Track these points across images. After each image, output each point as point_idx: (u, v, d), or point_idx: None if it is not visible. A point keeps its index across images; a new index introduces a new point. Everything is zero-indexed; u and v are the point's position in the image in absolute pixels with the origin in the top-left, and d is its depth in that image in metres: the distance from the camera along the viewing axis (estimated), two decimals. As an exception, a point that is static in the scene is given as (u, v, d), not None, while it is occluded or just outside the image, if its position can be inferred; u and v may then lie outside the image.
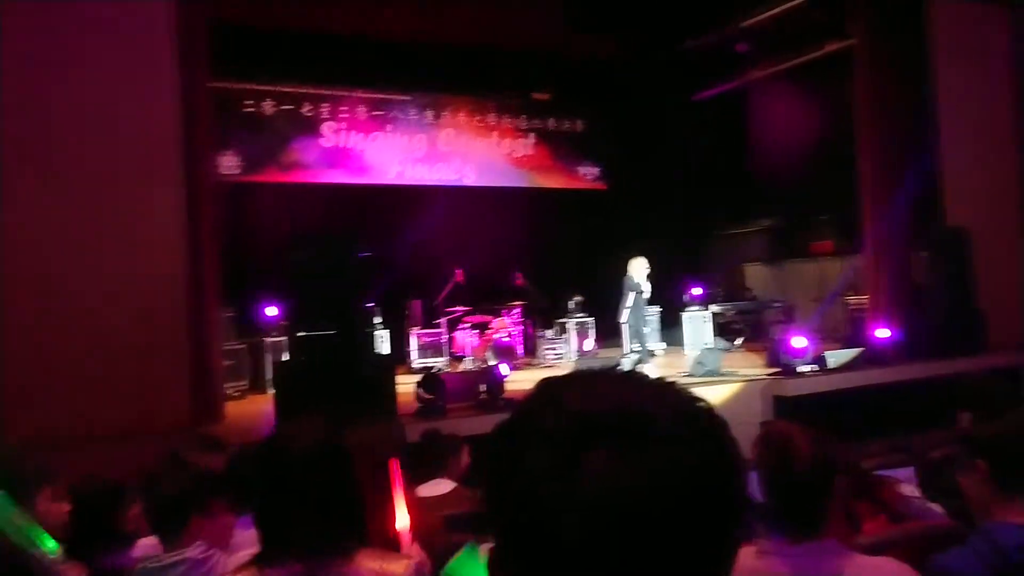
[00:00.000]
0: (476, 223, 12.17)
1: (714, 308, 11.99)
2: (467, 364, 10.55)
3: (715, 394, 7.51)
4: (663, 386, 0.76)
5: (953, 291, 9.22)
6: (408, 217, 11.86)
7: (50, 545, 2.11)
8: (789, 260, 12.94)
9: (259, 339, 9.81)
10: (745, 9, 11.28)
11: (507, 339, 10.97)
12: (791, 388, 7.92)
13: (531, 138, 13.65)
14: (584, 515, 0.66)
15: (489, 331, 11.02)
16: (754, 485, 1.99)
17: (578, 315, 11.51)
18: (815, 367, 8.30)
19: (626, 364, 8.84)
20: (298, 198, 11.82)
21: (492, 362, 9.81)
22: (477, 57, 11.94)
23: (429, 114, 12.84)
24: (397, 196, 12.39)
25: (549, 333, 11.45)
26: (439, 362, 10.66)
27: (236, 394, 8.94)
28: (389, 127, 12.52)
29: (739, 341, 11.69)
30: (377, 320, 10.50)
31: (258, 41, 10.36)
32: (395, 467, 2.14)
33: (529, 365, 10.91)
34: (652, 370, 8.57)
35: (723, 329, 11.91)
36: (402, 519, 2.10)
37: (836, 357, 8.49)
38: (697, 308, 11.79)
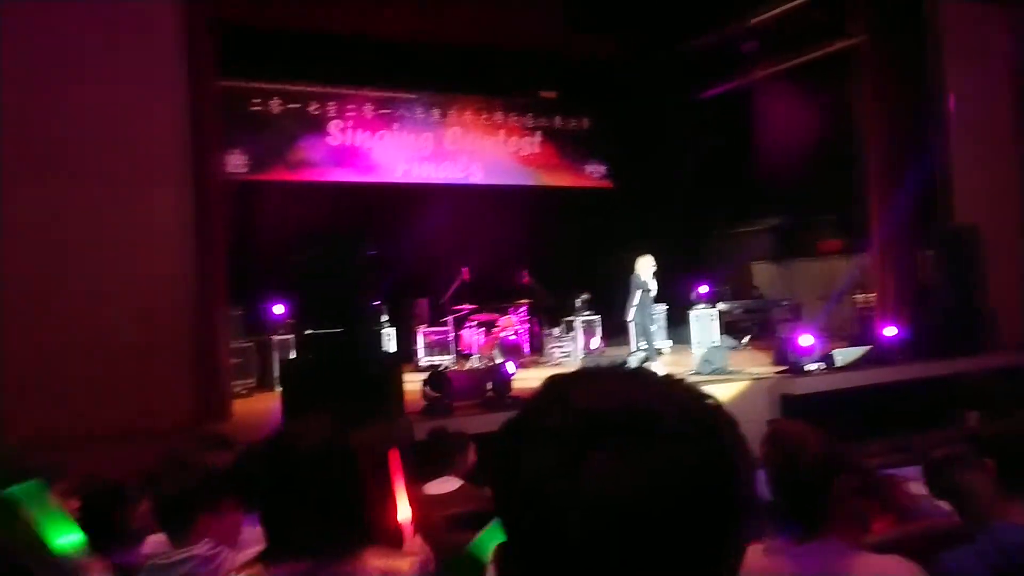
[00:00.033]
0: (482, 221, 12.17)
1: (721, 306, 11.96)
2: (474, 362, 10.56)
3: (722, 392, 7.48)
4: (671, 384, 0.76)
5: (960, 290, 9.19)
6: (415, 215, 11.86)
7: (77, 537, 2.12)
8: (796, 258, 12.92)
9: (266, 337, 9.83)
10: (747, 8, 11.26)
11: (514, 337, 10.97)
12: (798, 386, 7.90)
13: (537, 136, 13.64)
14: (588, 514, 0.66)
15: (496, 329, 11.02)
16: (761, 484, 1.99)
17: (585, 313, 11.50)
18: (822, 365, 8.28)
19: (633, 362, 8.83)
20: (305, 197, 11.85)
21: (499, 360, 9.82)
22: (482, 56, 11.95)
23: (436, 112, 12.84)
24: (404, 194, 12.39)
25: (556, 331, 11.45)
26: (446, 360, 10.67)
27: (244, 392, 8.97)
28: (396, 125, 12.53)
29: (746, 339, 11.66)
30: (384, 318, 10.50)
31: (265, 40, 10.38)
32: (395, 459, 2.13)
33: (536, 363, 10.91)
34: (659, 368, 8.56)
35: (730, 327, 11.88)
36: (403, 511, 2.09)
37: (843, 355, 8.48)
38: (704, 306, 11.77)
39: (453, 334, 10.99)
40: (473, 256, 11.37)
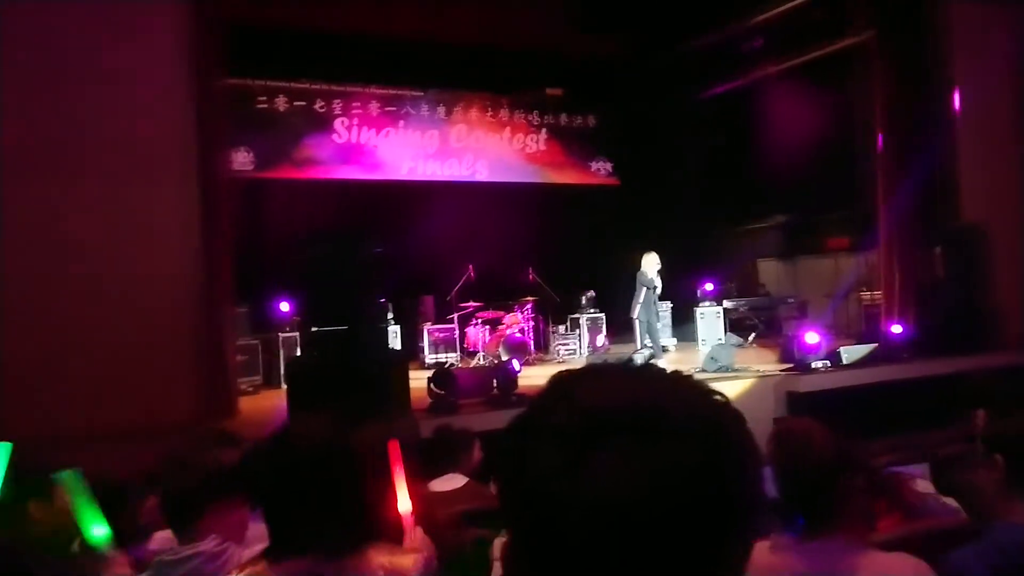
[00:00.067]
0: (488, 219, 12.16)
1: (727, 304, 11.96)
2: (479, 360, 10.56)
3: (727, 390, 7.32)
4: (678, 380, 0.76)
5: (966, 287, 9.16)
6: (420, 213, 11.85)
7: (105, 531, 2.14)
8: (802, 256, 12.89)
9: (272, 334, 9.85)
10: (751, 7, 11.23)
11: (519, 335, 10.96)
12: (804, 384, 7.89)
13: (543, 134, 13.62)
14: (593, 512, 0.66)
15: (501, 327, 11.02)
16: (767, 481, 1.98)
17: (590, 311, 11.50)
18: (828, 363, 8.27)
19: (638, 360, 8.83)
20: (311, 194, 11.86)
21: (504, 358, 9.81)
22: (487, 54, 11.93)
23: (441, 110, 12.83)
24: (409, 192, 12.39)
25: (561, 329, 11.45)
26: (451, 358, 10.68)
27: (250, 389, 8.99)
28: (401, 123, 12.53)
29: (752, 337, 11.65)
30: (389, 316, 10.52)
31: (270, 38, 10.39)
32: (394, 449, 2.12)
33: (541, 361, 10.91)
34: (664, 366, 8.56)
35: (736, 325, 11.87)
36: (404, 503, 2.09)
37: (850, 353, 8.46)
38: (710, 304, 11.77)
39: (458, 332, 10.99)
40: (478, 253, 11.36)
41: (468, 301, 11.08)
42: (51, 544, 2.43)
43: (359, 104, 12.22)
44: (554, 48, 12.23)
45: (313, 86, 11.83)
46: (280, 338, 9.81)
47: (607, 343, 11.34)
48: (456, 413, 6.83)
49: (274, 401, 8.13)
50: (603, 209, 13.49)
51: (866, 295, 10.85)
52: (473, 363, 10.44)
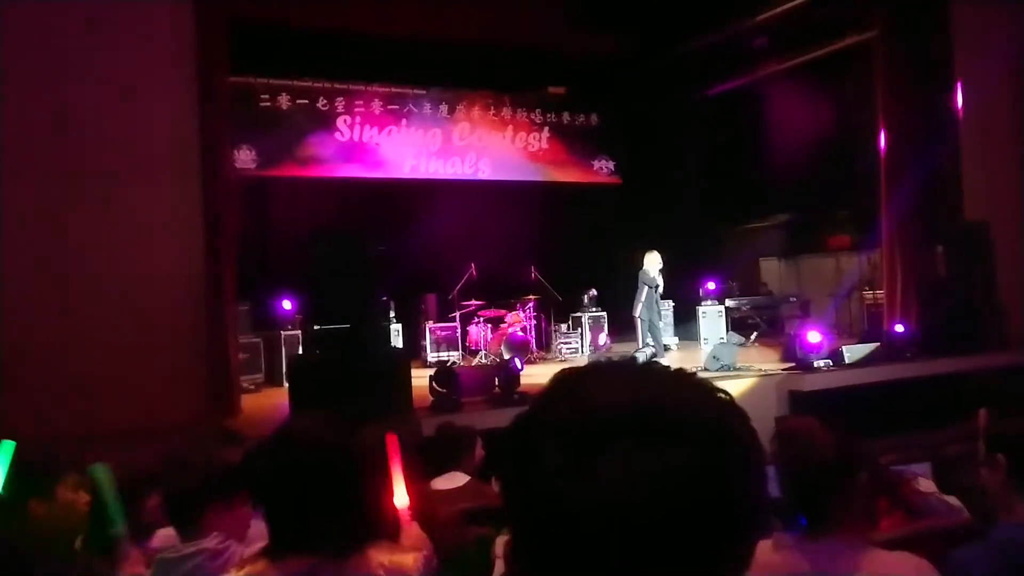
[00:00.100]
0: (490, 217, 12.17)
1: (729, 303, 11.95)
2: (481, 358, 10.57)
3: (730, 389, 7.38)
4: (681, 378, 0.75)
5: (970, 286, 9.14)
6: (422, 211, 11.86)
7: (123, 527, 2.17)
8: (805, 255, 12.88)
9: (275, 332, 9.86)
10: (751, 6, 11.21)
11: (521, 333, 10.97)
12: (806, 383, 7.88)
13: (546, 132, 13.60)
14: (597, 511, 0.66)
15: (503, 325, 11.02)
16: (771, 480, 1.98)
17: (592, 309, 11.50)
18: (831, 362, 8.26)
19: (640, 359, 8.83)
20: (314, 192, 11.88)
21: (506, 356, 9.81)
22: (490, 53, 11.91)
23: (443, 108, 12.83)
24: (412, 190, 12.40)
25: (563, 327, 11.45)
26: (453, 356, 10.68)
27: (252, 388, 9.00)
28: (404, 121, 12.52)
29: (754, 336, 11.64)
30: (392, 314, 10.52)
31: (273, 37, 10.38)
32: (392, 444, 2.12)
33: (543, 359, 10.91)
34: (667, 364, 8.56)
35: (738, 324, 11.87)
36: (401, 497, 2.09)
37: (852, 352, 8.45)
38: (712, 302, 11.76)
39: (460, 330, 11.00)
40: (481, 252, 11.36)
41: (470, 299, 11.08)
42: (53, 542, 2.44)
43: (362, 102, 12.22)
44: (556, 47, 12.21)
45: (316, 84, 11.82)
46: (282, 336, 9.82)
47: (609, 342, 11.34)
48: (458, 411, 6.84)
49: (276, 399, 8.14)
50: (605, 208, 13.49)
51: (868, 294, 10.84)
52: (475, 361, 10.45)
